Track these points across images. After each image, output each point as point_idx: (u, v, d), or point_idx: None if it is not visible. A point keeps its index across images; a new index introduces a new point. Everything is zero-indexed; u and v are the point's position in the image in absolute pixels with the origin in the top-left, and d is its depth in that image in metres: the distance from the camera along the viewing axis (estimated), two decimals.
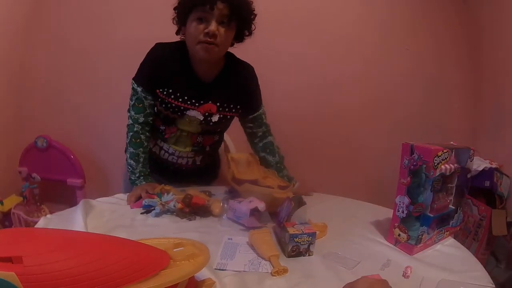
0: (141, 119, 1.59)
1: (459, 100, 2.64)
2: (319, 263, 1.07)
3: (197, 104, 1.57)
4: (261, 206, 1.28)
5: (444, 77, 2.61)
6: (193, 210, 1.41)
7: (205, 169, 1.85)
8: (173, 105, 1.56)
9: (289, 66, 2.53)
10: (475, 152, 1.24)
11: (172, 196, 1.46)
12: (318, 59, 2.53)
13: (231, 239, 1.21)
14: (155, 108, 1.62)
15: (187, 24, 1.46)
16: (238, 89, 1.64)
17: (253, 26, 1.57)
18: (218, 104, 1.61)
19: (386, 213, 1.39)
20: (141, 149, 1.60)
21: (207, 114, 1.60)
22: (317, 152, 2.61)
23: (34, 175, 2.52)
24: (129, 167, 1.61)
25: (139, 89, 1.56)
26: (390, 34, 2.55)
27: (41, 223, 1.25)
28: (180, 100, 1.56)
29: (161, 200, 1.43)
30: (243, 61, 1.68)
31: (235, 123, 2.36)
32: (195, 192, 1.54)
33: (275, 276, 0.99)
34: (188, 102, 1.56)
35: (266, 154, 1.79)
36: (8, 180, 2.50)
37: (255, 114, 1.74)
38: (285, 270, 1.00)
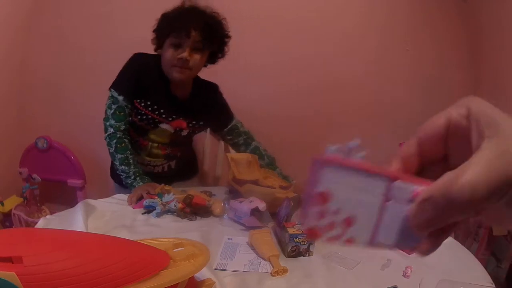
0: (123, 127, 1.63)
1: (458, 100, 2.64)
2: (319, 263, 1.08)
3: (170, 119, 1.67)
4: (262, 206, 1.29)
5: (444, 77, 2.61)
6: (194, 210, 1.42)
7: (182, 169, 1.92)
8: (149, 117, 1.64)
9: (289, 67, 2.53)
10: None
11: (173, 196, 1.46)
12: (318, 59, 2.53)
13: (231, 239, 1.21)
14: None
15: (164, 47, 1.57)
16: (207, 108, 1.76)
17: (226, 48, 1.70)
18: (188, 121, 1.72)
19: None
20: (128, 151, 1.63)
21: (177, 128, 1.71)
22: (315, 151, 2.61)
23: (34, 175, 2.52)
24: (123, 173, 1.63)
25: (120, 97, 1.59)
26: (391, 35, 2.54)
27: (41, 223, 1.25)
28: (157, 113, 1.64)
29: (162, 201, 1.43)
30: (207, 81, 1.81)
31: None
32: (196, 192, 1.54)
33: (275, 276, 0.99)
34: (163, 116, 1.65)
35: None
36: (9, 181, 2.50)
37: (229, 126, 1.85)
38: (285, 270, 1.01)
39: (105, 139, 1.64)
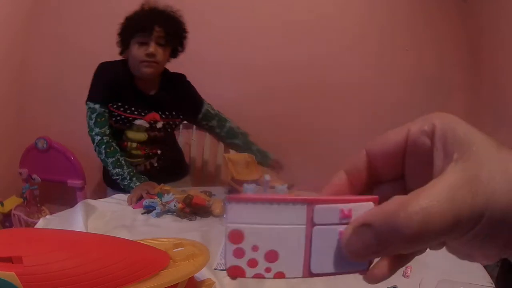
0: (107, 131, 1.72)
1: (458, 100, 2.64)
2: None
3: (142, 114, 1.76)
4: None
5: (444, 77, 2.61)
6: (194, 210, 1.42)
7: (168, 168, 1.94)
8: (123, 117, 1.74)
9: (288, 67, 2.53)
10: None
11: (173, 196, 1.46)
12: (317, 60, 2.53)
13: None
14: None
15: (130, 47, 1.69)
16: (177, 98, 1.85)
17: (185, 42, 1.82)
18: (160, 112, 1.80)
19: None
20: (118, 154, 1.70)
21: (152, 121, 1.78)
22: (316, 152, 2.61)
23: (34, 176, 2.52)
24: (118, 176, 1.68)
25: (97, 106, 1.70)
26: (390, 35, 2.54)
27: (41, 224, 1.25)
28: (128, 111, 1.74)
29: (161, 201, 1.43)
30: (174, 72, 1.90)
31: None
32: (196, 192, 1.54)
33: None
34: (135, 113, 1.75)
35: (232, 139, 2.01)
36: (9, 181, 2.50)
37: (202, 111, 1.94)
38: None
39: (95, 150, 1.74)
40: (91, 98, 1.72)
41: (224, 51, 2.50)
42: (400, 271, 1.03)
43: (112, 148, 1.70)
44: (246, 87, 2.54)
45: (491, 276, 1.01)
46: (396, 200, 0.24)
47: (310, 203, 0.27)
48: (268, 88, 2.55)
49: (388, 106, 2.60)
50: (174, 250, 0.81)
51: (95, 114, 1.70)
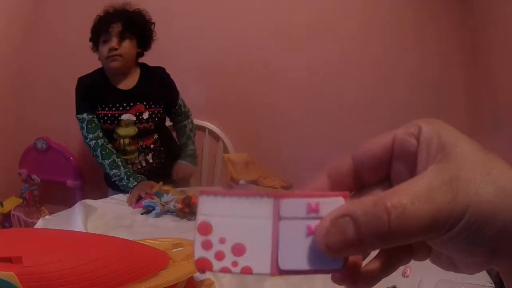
0: (101, 134, 1.80)
1: (459, 100, 2.64)
2: None
3: (127, 108, 1.82)
4: None
5: (444, 78, 2.61)
6: (193, 210, 1.42)
7: (165, 165, 1.98)
8: (109, 115, 1.82)
9: (287, 67, 2.53)
10: None
11: (172, 196, 1.46)
12: (318, 58, 2.53)
13: None
14: None
15: (99, 47, 1.81)
16: (157, 87, 1.92)
17: (153, 33, 1.91)
18: (144, 103, 1.86)
19: None
20: (114, 155, 1.78)
21: (138, 113, 1.84)
22: (315, 152, 2.61)
23: (33, 176, 2.52)
24: (115, 177, 1.76)
25: (84, 115, 1.79)
26: (390, 35, 2.54)
27: (40, 224, 1.25)
28: (114, 109, 1.82)
29: (161, 201, 1.43)
30: (154, 66, 1.99)
31: (231, 125, 2.37)
32: (195, 192, 1.54)
33: (274, 276, 0.99)
34: (120, 108, 1.82)
35: (179, 137, 2.09)
36: (8, 182, 2.50)
37: (178, 103, 2.01)
38: None
39: (93, 156, 1.82)
40: (77, 111, 1.81)
41: (224, 51, 2.50)
42: (400, 270, 1.04)
43: (107, 150, 1.78)
44: (249, 86, 2.54)
45: (491, 276, 1.01)
46: (377, 195, 0.24)
47: (277, 197, 0.27)
48: (267, 87, 2.55)
49: (387, 106, 2.60)
50: (173, 250, 0.82)
51: (85, 123, 1.79)
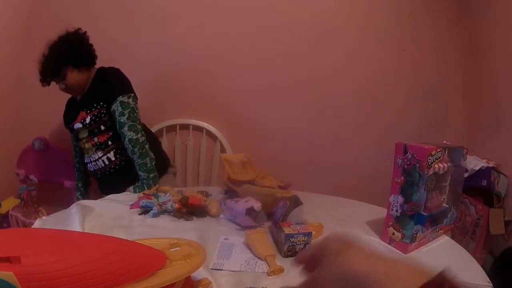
0: (75, 151, 2.24)
1: (456, 100, 2.65)
2: None
3: (75, 119, 1.99)
4: (257, 205, 1.29)
5: (442, 77, 2.62)
6: (190, 210, 1.42)
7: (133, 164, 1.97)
8: (70, 129, 2.07)
9: (287, 66, 2.54)
10: (472, 151, 1.26)
11: (169, 196, 1.47)
12: (317, 59, 2.54)
13: (228, 239, 1.22)
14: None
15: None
16: (95, 87, 1.98)
17: (85, 46, 1.99)
18: (85, 109, 1.96)
19: (380, 212, 1.40)
20: (76, 169, 2.28)
21: (82, 120, 1.96)
22: (313, 152, 2.62)
23: (31, 177, 2.52)
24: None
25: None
26: (390, 36, 2.55)
27: (37, 224, 1.25)
28: (68, 121, 2.07)
29: (158, 201, 1.44)
30: (107, 67, 2.04)
31: (229, 125, 2.38)
32: (192, 192, 1.55)
33: (271, 276, 0.99)
34: (72, 120, 2.01)
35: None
36: (6, 182, 2.50)
37: (113, 107, 1.91)
38: (281, 270, 1.01)
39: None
40: None
41: (222, 51, 2.51)
42: None
43: (75, 167, 2.27)
44: (246, 86, 2.55)
45: (489, 276, 1.02)
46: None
47: None
48: (266, 87, 2.55)
49: (387, 106, 2.61)
50: (170, 250, 0.82)
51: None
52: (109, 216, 1.38)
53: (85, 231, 1.18)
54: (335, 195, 1.81)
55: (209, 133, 2.53)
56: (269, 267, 1.02)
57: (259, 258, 1.09)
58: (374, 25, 2.54)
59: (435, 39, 2.57)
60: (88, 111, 1.94)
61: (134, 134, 1.89)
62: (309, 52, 2.53)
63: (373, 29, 2.54)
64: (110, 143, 1.98)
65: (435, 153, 1.10)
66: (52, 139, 2.53)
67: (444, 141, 1.25)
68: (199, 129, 2.52)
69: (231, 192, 1.57)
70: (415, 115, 2.63)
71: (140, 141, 1.90)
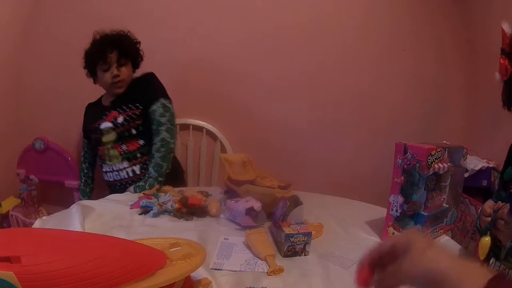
0: (86, 155, 2.23)
1: (456, 100, 2.65)
2: (315, 263, 1.08)
3: (103, 117, 1.97)
4: (257, 205, 1.29)
5: (442, 77, 2.61)
6: (190, 210, 1.42)
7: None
8: (93, 129, 1.99)
9: (287, 67, 2.54)
10: (472, 151, 1.26)
11: (170, 196, 1.47)
12: (317, 59, 2.54)
13: (227, 239, 1.22)
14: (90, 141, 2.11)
15: (98, 74, 1.99)
16: (132, 90, 2.01)
17: (141, 52, 2.08)
18: (118, 109, 1.96)
19: (380, 212, 1.40)
20: (82, 172, 2.27)
21: (113, 120, 1.94)
22: (313, 152, 2.62)
23: (32, 177, 2.52)
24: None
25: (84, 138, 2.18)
26: (390, 35, 2.54)
27: (37, 224, 1.25)
28: (95, 121, 1.99)
29: (158, 201, 1.44)
30: (142, 74, 2.09)
31: (229, 125, 2.37)
32: (192, 192, 1.55)
33: (271, 275, 0.99)
34: (98, 119, 1.98)
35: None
36: (6, 182, 2.50)
37: (153, 108, 1.95)
38: (281, 270, 1.01)
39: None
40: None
41: (222, 51, 2.51)
42: None
43: (81, 171, 2.24)
44: (246, 86, 2.55)
45: None
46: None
47: None
48: (266, 87, 2.55)
49: (387, 106, 2.61)
50: (170, 249, 0.82)
51: (83, 142, 2.19)
52: (109, 216, 1.38)
53: (85, 231, 1.19)
54: (335, 195, 1.81)
55: (210, 133, 2.53)
56: (269, 267, 1.02)
57: (259, 258, 1.09)
58: (374, 25, 2.53)
59: (435, 39, 2.56)
60: (122, 111, 1.94)
61: (169, 136, 1.93)
62: (308, 52, 2.53)
63: (373, 29, 2.54)
64: (139, 155, 1.95)
65: (435, 153, 1.10)
66: (52, 139, 2.53)
67: (444, 141, 1.25)
68: (199, 129, 2.52)
69: (231, 192, 1.57)
70: (415, 115, 2.63)
71: (171, 146, 1.94)
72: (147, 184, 1.82)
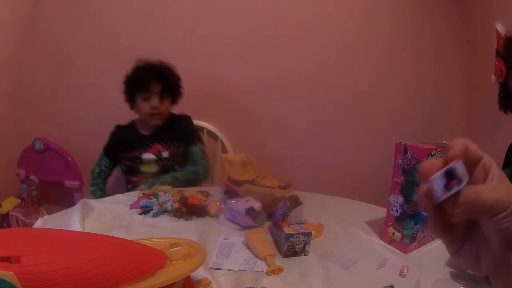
0: (102, 171, 2.12)
1: (456, 100, 2.65)
2: (315, 263, 1.08)
3: (146, 148, 2.00)
4: (257, 205, 1.29)
5: (442, 77, 2.61)
6: (190, 210, 1.42)
7: None
8: (132, 156, 2.00)
9: (287, 67, 2.54)
10: None
11: (169, 196, 1.47)
12: (316, 59, 2.54)
13: (227, 238, 1.22)
14: (122, 166, 2.10)
15: (137, 102, 1.98)
16: (173, 126, 2.06)
17: (181, 89, 2.09)
18: (162, 142, 2.01)
19: (380, 212, 1.40)
20: (95, 188, 2.13)
21: (157, 153, 1.99)
22: (313, 152, 2.62)
23: (32, 177, 2.52)
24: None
25: (104, 155, 2.10)
26: (390, 35, 2.54)
27: (38, 224, 1.25)
28: (130, 149, 2.01)
29: (158, 201, 1.44)
30: (179, 113, 2.15)
31: (230, 125, 2.37)
32: (192, 192, 1.55)
33: (270, 275, 0.99)
34: (141, 149, 2.00)
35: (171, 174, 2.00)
36: (6, 182, 2.50)
37: (189, 150, 2.05)
38: (280, 270, 1.01)
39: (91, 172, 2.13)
40: (104, 149, 2.10)
41: (222, 52, 2.51)
42: (397, 270, 1.05)
43: (95, 182, 2.12)
44: (247, 86, 2.55)
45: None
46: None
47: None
48: (267, 87, 2.55)
49: (387, 106, 2.61)
50: (170, 249, 0.82)
51: (101, 159, 2.10)
52: (109, 216, 1.38)
53: (85, 231, 1.18)
54: (335, 195, 1.81)
55: (210, 133, 2.53)
56: (268, 266, 1.02)
57: (258, 257, 1.09)
58: (374, 25, 2.53)
59: (435, 39, 2.56)
60: (166, 146, 2.01)
61: (203, 174, 2.03)
62: (308, 52, 2.53)
63: (373, 29, 2.54)
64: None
65: (435, 153, 1.10)
66: (52, 139, 2.53)
67: (444, 141, 1.25)
68: (199, 129, 2.51)
69: (231, 192, 1.57)
70: (415, 115, 2.63)
71: (198, 179, 2.01)
72: (178, 175, 1.94)
